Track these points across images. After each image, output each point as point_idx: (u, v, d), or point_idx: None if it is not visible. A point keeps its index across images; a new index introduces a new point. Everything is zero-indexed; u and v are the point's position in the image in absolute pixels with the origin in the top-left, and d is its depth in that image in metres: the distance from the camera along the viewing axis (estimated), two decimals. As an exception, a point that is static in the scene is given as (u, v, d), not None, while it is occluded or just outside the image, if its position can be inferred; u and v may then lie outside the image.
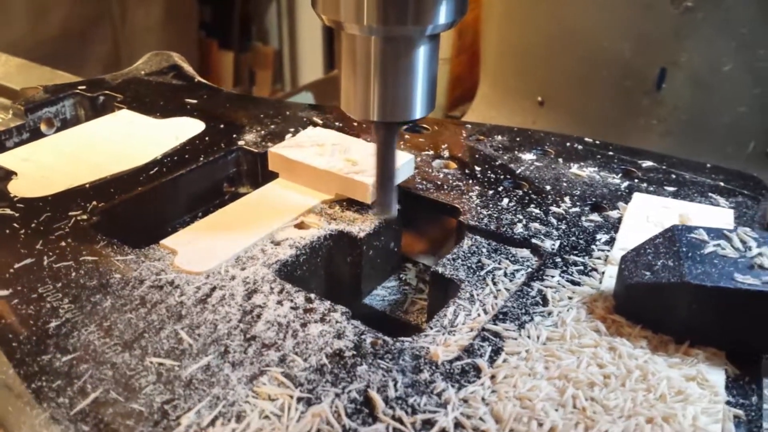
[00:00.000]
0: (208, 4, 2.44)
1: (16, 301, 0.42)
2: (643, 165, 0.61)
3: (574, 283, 0.44)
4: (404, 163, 0.54)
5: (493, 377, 0.36)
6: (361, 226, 0.50)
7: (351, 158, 0.54)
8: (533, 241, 0.48)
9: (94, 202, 0.51)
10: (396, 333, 0.41)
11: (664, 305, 0.38)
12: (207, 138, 0.62)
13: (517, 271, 0.46)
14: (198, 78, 0.77)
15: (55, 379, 0.36)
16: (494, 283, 0.44)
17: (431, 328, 0.41)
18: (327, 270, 0.50)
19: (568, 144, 0.64)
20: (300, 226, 0.50)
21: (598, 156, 0.62)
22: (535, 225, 0.50)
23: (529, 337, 0.39)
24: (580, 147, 0.64)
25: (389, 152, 0.46)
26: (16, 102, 0.68)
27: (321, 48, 2.45)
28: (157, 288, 0.43)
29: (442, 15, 0.40)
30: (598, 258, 0.47)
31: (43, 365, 0.37)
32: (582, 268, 0.46)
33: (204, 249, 0.46)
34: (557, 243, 0.48)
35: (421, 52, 0.42)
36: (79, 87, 0.72)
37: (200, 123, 0.65)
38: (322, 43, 2.44)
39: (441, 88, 1.36)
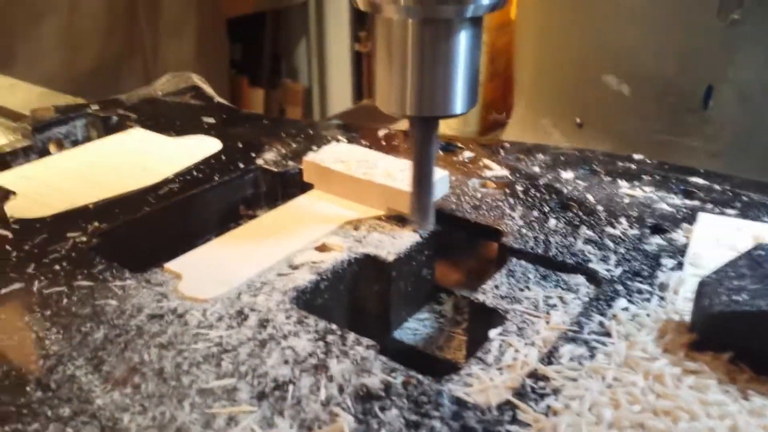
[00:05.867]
0: (239, 42, 2.44)
1: (-2, 331, 0.36)
2: (703, 184, 0.54)
3: (639, 314, 0.38)
4: (438, 179, 0.48)
5: (554, 428, 0.30)
6: (390, 249, 0.44)
7: (389, 171, 0.48)
8: (589, 266, 0.42)
9: (96, 223, 0.46)
10: (431, 372, 0.35)
11: (761, 336, 0.32)
12: (224, 157, 0.57)
13: (572, 300, 0.40)
14: (218, 99, 0.73)
15: (32, 422, 0.31)
16: (546, 314, 0.38)
17: (472, 366, 0.35)
18: (351, 299, 0.44)
19: (619, 163, 0.58)
20: (322, 248, 0.44)
21: (653, 175, 0.56)
22: (589, 248, 0.44)
23: (591, 377, 0.33)
24: (632, 166, 0.58)
25: (427, 152, 0.42)
26: (24, 121, 0.64)
27: (350, 84, 2.44)
28: (157, 317, 0.37)
29: None
30: (666, 285, 0.40)
31: (20, 405, 0.32)
32: (647, 296, 0.39)
33: (213, 273, 0.41)
34: (617, 269, 0.42)
35: (462, 38, 0.38)
36: (92, 107, 0.67)
37: (217, 142, 0.60)
38: (351, 79, 2.43)
39: (474, 114, 1.31)
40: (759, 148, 0.91)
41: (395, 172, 0.49)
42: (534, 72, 1.13)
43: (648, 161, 0.59)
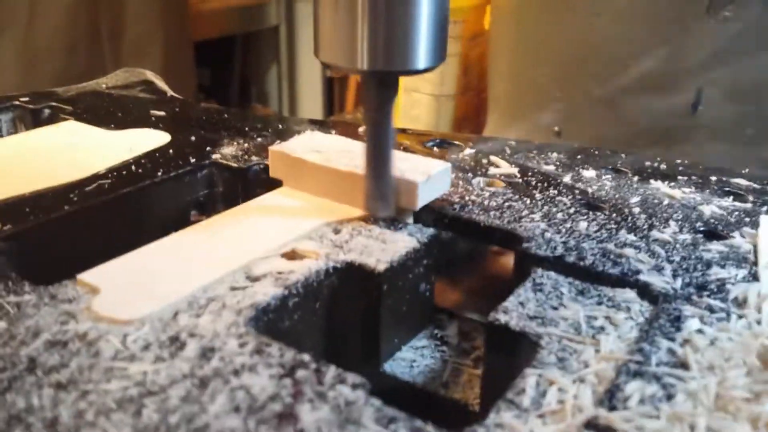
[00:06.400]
0: (207, 66, 2.34)
1: None
2: (748, 186, 0.45)
3: (719, 338, 0.28)
4: (438, 172, 0.38)
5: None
6: (380, 256, 0.34)
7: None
8: (639, 277, 0.32)
9: (-2, 225, 0.36)
10: (441, 419, 0.25)
11: None
12: (171, 151, 0.47)
13: (624, 321, 0.30)
14: (171, 93, 0.63)
15: None
16: (593, 340, 0.28)
17: (502, 411, 0.24)
18: (329, 321, 0.34)
19: (647, 162, 0.49)
20: (291, 255, 0.34)
21: (689, 176, 0.47)
22: (635, 256, 0.34)
23: (675, 427, 0.23)
24: (662, 166, 0.48)
25: (384, 120, 0.34)
26: (-63, 115, 0.54)
27: (321, 110, 2.36)
28: (59, 345, 0.27)
29: None
30: (743, 300, 0.31)
31: None
32: (723, 315, 0.30)
33: (140, 286, 0.30)
34: (676, 280, 0.32)
35: None
36: (21, 99, 0.57)
37: (165, 135, 0.50)
38: (321, 105, 2.35)
39: (445, 128, 1.23)
40: (752, 155, 0.82)
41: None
42: (509, 81, 1.06)
43: (678, 161, 0.50)
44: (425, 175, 0.37)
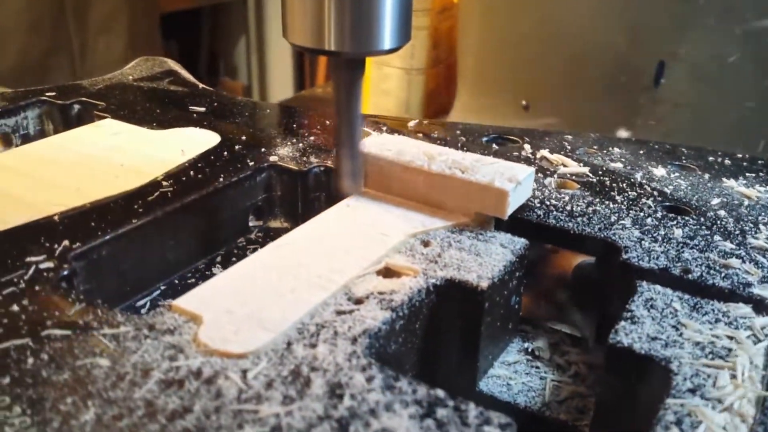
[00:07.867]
0: (174, 39, 2.29)
1: (-73, 414, 0.23)
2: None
3: None
4: (524, 178, 0.37)
5: None
6: (479, 271, 0.32)
7: (463, 165, 0.37)
8: (752, 291, 0.31)
9: (66, 242, 0.33)
10: None
11: None
12: (225, 153, 0.45)
13: (748, 339, 0.29)
14: (202, 85, 0.60)
15: None
16: (725, 363, 0.27)
17: (656, 449, 0.23)
18: (425, 340, 0.33)
19: (710, 158, 0.48)
20: (386, 272, 0.33)
21: (756, 172, 0.46)
22: (740, 266, 0.33)
23: None
24: (727, 161, 0.47)
25: (352, 100, 0.35)
26: (-39, 113, 0.51)
27: (291, 83, 2.32)
28: (175, 385, 0.25)
29: None
30: None
31: None
32: None
33: (244, 313, 0.29)
34: (791, 293, 0.31)
35: None
36: (48, 93, 0.54)
37: (213, 134, 0.47)
38: (292, 78, 2.31)
39: (416, 102, 1.22)
40: (713, 128, 0.83)
41: (474, 167, 0.37)
42: (478, 54, 1.06)
43: (740, 155, 0.49)
44: (514, 182, 0.36)
